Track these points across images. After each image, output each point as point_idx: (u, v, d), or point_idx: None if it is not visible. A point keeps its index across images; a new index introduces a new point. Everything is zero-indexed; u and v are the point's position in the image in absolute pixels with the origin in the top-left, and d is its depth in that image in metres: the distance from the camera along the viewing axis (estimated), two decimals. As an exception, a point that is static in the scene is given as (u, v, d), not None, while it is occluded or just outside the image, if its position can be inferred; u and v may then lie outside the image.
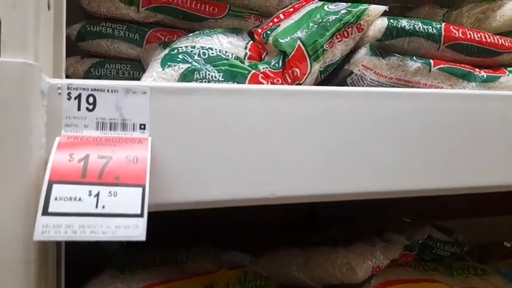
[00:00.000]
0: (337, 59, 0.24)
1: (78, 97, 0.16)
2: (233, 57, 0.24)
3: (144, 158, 0.16)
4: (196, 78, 0.22)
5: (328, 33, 0.23)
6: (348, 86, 0.25)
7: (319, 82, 0.24)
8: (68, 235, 0.14)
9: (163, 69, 0.22)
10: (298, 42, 0.23)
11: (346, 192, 0.19)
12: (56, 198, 0.15)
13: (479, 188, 0.22)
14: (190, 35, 0.25)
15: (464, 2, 0.33)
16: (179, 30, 0.30)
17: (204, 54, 0.23)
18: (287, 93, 0.19)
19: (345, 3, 0.24)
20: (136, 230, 0.15)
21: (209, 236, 0.33)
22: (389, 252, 0.26)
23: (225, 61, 0.23)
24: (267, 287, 0.27)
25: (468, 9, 0.33)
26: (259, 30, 0.26)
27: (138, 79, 0.27)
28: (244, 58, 0.24)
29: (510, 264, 0.35)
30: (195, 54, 0.23)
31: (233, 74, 0.22)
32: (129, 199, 0.15)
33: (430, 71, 0.25)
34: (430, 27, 0.25)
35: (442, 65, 0.25)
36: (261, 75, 0.23)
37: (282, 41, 0.23)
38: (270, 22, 0.27)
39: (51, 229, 0.14)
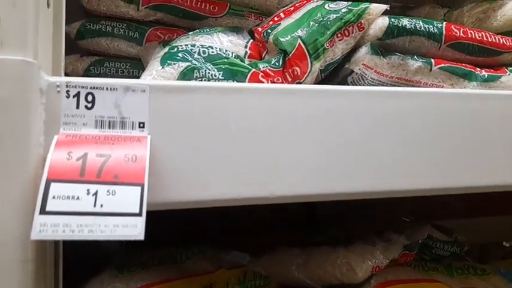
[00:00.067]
0: (337, 57, 0.23)
1: (77, 95, 0.16)
2: (233, 56, 0.23)
3: (143, 156, 0.16)
4: (196, 76, 0.22)
5: (328, 32, 0.23)
6: (348, 85, 0.25)
7: (320, 81, 0.24)
8: (65, 234, 0.14)
9: (163, 67, 0.22)
10: (299, 40, 0.23)
11: (346, 191, 0.19)
12: (53, 197, 0.14)
13: (479, 188, 0.22)
14: (190, 33, 0.25)
15: (465, 1, 0.33)
16: (179, 29, 0.29)
17: (204, 52, 0.23)
18: (287, 92, 0.19)
19: (345, 2, 0.24)
20: (134, 229, 0.15)
21: (208, 235, 0.33)
22: (389, 252, 0.26)
23: (225, 60, 0.23)
24: (266, 287, 0.27)
25: (469, 8, 0.33)
26: (260, 29, 0.26)
27: (138, 78, 0.27)
28: (245, 57, 0.24)
29: (510, 264, 0.35)
30: (195, 52, 0.23)
31: (233, 72, 0.22)
32: (128, 198, 0.15)
33: (431, 70, 0.25)
34: (431, 26, 0.24)
35: (443, 64, 0.25)
36: (261, 74, 0.23)
37: (282, 39, 0.23)
38: (270, 21, 0.27)
39: (48, 228, 0.14)
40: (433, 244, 0.30)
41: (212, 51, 0.23)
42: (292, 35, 0.23)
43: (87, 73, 0.29)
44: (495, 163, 0.21)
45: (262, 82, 0.22)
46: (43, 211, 0.14)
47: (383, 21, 0.23)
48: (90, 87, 0.16)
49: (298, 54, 0.23)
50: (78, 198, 0.15)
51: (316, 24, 0.23)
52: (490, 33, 0.27)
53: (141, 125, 0.17)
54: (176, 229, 0.31)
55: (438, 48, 0.25)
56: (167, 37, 0.29)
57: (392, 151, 0.20)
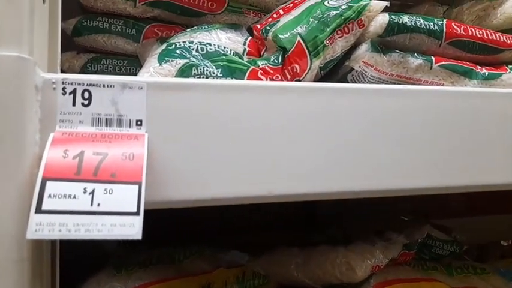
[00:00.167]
0: (337, 55, 0.23)
1: (73, 92, 0.16)
2: (232, 53, 0.23)
3: (141, 154, 0.16)
4: (194, 73, 0.21)
5: (328, 29, 0.22)
6: (348, 82, 0.25)
7: (319, 78, 0.24)
8: (62, 233, 0.14)
9: (160, 64, 0.22)
10: (298, 38, 0.22)
11: (344, 190, 0.19)
12: (49, 196, 0.14)
13: (478, 187, 0.21)
14: (188, 30, 0.25)
15: (464, -1, 0.33)
16: (177, 26, 0.29)
17: (202, 49, 0.23)
18: (286, 90, 0.18)
19: (345, -1, 0.24)
20: (132, 229, 0.14)
21: (207, 234, 0.33)
22: (389, 251, 0.26)
23: (224, 57, 0.22)
24: (265, 286, 0.27)
25: (469, 6, 0.32)
26: (258, 26, 0.26)
27: (135, 75, 0.27)
28: (243, 54, 0.24)
29: (509, 263, 0.35)
30: (193, 49, 0.22)
31: (232, 70, 0.22)
32: (125, 197, 0.15)
33: (431, 68, 0.25)
34: (432, 23, 0.24)
35: (443, 62, 0.25)
36: (260, 71, 0.22)
37: (281, 36, 0.23)
38: (269, 18, 0.26)
39: (44, 227, 0.14)
40: (433, 243, 0.30)
41: (210, 48, 0.23)
42: (292, 32, 0.23)
43: (83, 70, 0.29)
44: (494, 162, 0.21)
45: (261, 79, 0.22)
46: (39, 210, 0.14)
47: (383, 18, 0.23)
48: (87, 84, 0.16)
49: (298, 51, 0.22)
50: (74, 197, 0.14)
51: (316, 21, 0.23)
52: (491, 31, 0.26)
53: (139, 122, 0.17)
54: (174, 228, 0.31)
55: (439, 46, 0.25)
56: (165, 34, 0.29)
57: (392, 150, 0.20)
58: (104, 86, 0.16)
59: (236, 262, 0.27)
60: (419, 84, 0.25)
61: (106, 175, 0.15)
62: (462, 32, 0.25)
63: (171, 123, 0.17)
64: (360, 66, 0.23)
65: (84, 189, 0.15)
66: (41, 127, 0.16)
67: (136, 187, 0.15)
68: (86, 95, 0.16)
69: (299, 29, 0.23)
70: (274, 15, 0.26)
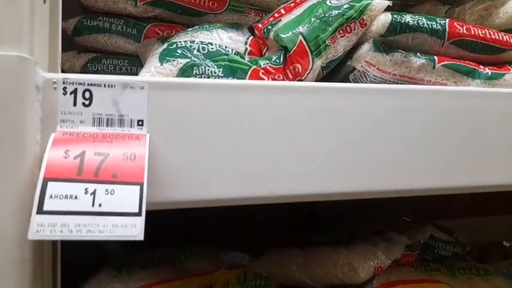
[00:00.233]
0: (339, 54, 0.23)
1: (74, 92, 0.16)
2: (233, 53, 0.23)
3: (142, 155, 0.16)
4: (196, 73, 0.21)
5: (330, 29, 0.22)
6: (350, 82, 0.25)
7: (321, 78, 0.24)
8: (63, 234, 0.14)
9: (161, 64, 0.22)
10: (300, 37, 0.22)
11: (346, 191, 0.19)
12: (51, 196, 0.14)
13: (480, 188, 0.21)
14: (189, 29, 0.25)
15: (466, -2, 0.33)
16: (178, 25, 0.29)
17: (203, 49, 0.22)
18: (288, 90, 0.18)
19: (347, -2, 0.24)
20: (134, 230, 0.14)
21: (208, 235, 0.33)
22: (391, 252, 0.26)
23: (225, 56, 0.22)
24: (266, 287, 0.27)
25: (471, 6, 0.32)
26: (260, 26, 0.25)
27: (136, 75, 0.27)
28: (245, 53, 0.24)
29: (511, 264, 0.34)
30: (194, 49, 0.22)
31: (233, 69, 0.22)
32: (127, 197, 0.15)
33: (434, 67, 0.24)
34: (434, 23, 0.24)
35: (446, 62, 0.25)
36: (262, 71, 0.22)
37: (283, 36, 0.23)
38: (270, 17, 0.26)
39: (46, 228, 0.14)
40: (435, 244, 0.30)
41: (212, 48, 0.23)
42: (293, 31, 0.23)
43: (84, 70, 0.29)
44: (496, 162, 0.21)
45: (263, 79, 0.22)
46: (40, 211, 0.14)
47: (385, 18, 0.23)
48: (88, 84, 0.16)
49: (300, 51, 0.22)
50: (76, 197, 0.14)
51: (318, 21, 0.23)
52: (493, 30, 0.26)
53: (140, 122, 0.17)
54: (175, 229, 0.31)
55: (441, 45, 0.25)
56: (166, 33, 0.28)
57: (393, 150, 0.19)
58: (105, 85, 0.16)
59: (237, 263, 0.27)
60: (422, 84, 0.24)
61: (107, 175, 0.15)
62: (465, 31, 0.25)
63: (172, 123, 0.17)
64: (362, 66, 0.23)
65: (86, 189, 0.14)
66: (42, 127, 0.15)
67: (138, 188, 0.15)
68: (87, 94, 0.16)
69: (301, 29, 0.23)
70: (276, 15, 0.26)
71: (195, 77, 0.21)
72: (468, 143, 0.21)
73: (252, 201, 0.18)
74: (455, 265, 0.30)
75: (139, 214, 0.15)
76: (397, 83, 0.24)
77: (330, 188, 0.19)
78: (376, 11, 0.23)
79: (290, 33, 0.23)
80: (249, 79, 0.22)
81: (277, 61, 0.23)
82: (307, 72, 0.22)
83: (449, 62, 0.25)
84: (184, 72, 0.21)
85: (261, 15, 0.30)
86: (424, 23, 0.24)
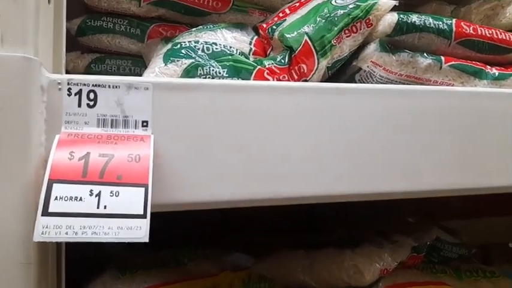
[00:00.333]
0: (345, 54, 0.23)
1: (79, 93, 0.16)
2: (238, 53, 0.23)
3: (147, 156, 0.15)
4: (200, 74, 0.21)
5: (336, 28, 0.22)
6: (356, 82, 0.24)
7: (327, 78, 0.24)
8: (68, 236, 0.14)
9: (165, 64, 0.21)
10: (305, 37, 0.22)
11: (352, 192, 0.19)
12: (56, 198, 0.14)
13: (488, 189, 0.21)
14: (193, 29, 0.25)
15: (472, -2, 0.32)
16: (181, 25, 0.29)
17: (208, 49, 0.22)
18: (293, 90, 0.18)
19: (353, -2, 0.23)
20: (139, 232, 0.14)
21: (212, 236, 0.32)
22: (397, 254, 0.26)
23: (230, 56, 0.22)
24: (271, 290, 0.26)
25: (477, 5, 0.32)
26: (264, 25, 0.25)
27: (139, 75, 0.27)
28: (249, 54, 0.24)
29: (517, 266, 0.34)
30: (198, 49, 0.22)
31: (238, 70, 0.22)
32: (132, 199, 0.15)
33: (441, 68, 0.24)
34: (441, 22, 0.24)
35: (453, 62, 0.24)
36: (267, 71, 0.22)
37: (288, 36, 0.22)
38: (275, 17, 0.26)
39: (51, 230, 0.14)
40: (442, 246, 0.30)
41: (216, 48, 0.23)
42: (299, 31, 0.22)
43: (88, 70, 0.28)
44: (504, 163, 0.21)
45: (268, 79, 0.22)
46: (45, 212, 0.14)
47: (392, 17, 0.23)
48: (92, 85, 0.16)
49: (305, 51, 0.22)
50: (81, 199, 0.14)
51: (323, 20, 0.22)
52: (500, 30, 0.26)
53: (145, 123, 0.17)
54: (179, 230, 0.31)
55: (448, 46, 0.24)
56: (169, 34, 0.28)
57: (399, 151, 0.19)
58: (109, 86, 0.16)
59: (241, 265, 0.27)
60: (428, 85, 0.24)
61: (112, 177, 0.15)
62: (471, 31, 0.25)
63: (177, 124, 0.17)
64: (368, 66, 0.23)
65: (91, 191, 0.14)
66: (47, 128, 0.15)
67: (143, 189, 0.15)
68: (92, 95, 0.16)
69: (306, 28, 0.22)
70: (281, 14, 0.26)
71: (200, 77, 0.21)
72: (475, 143, 0.21)
73: (259, 203, 0.18)
74: (461, 267, 0.30)
75: (144, 216, 0.14)
76: (404, 84, 0.24)
77: (336, 190, 0.18)
78: (382, 11, 0.23)
79: (295, 33, 0.22)
80: (253, 79, 0.22)
81: (282, 61, 0.23)
82: (313, 72, 0.22)
83: (456, 63, 0.25)
84: (189, 72, 0.21)
85: (265, 15, 0.29)
86: (430, 23, 0.23)
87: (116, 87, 0.16)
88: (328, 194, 0.18)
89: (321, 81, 0.23)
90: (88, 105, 0.16)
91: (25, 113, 0.15)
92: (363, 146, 0.19)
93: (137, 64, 0.29)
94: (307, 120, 0.18)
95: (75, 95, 0.16)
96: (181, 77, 0.21)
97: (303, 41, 0.22)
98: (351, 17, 0.22)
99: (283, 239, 0.31)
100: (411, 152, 0.19)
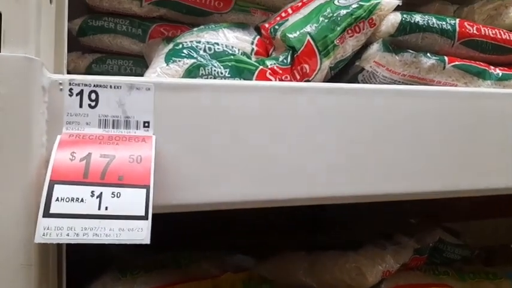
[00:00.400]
0: (348, 55, 0.23)
1: (80, 93, 0.16)
2: (240, 53, 0.23)
3: (148, 157, 0.15)
4: (202, 74, 0.21)
5: (339, 28, 0.22)
6: (359, 83, 0.24)
7: (329, 79, 0.23)
8: (70, 238, 0.14)
9: (167, 64, 0.21)
10: (308, 37, 0.22)
11: (357, 194, 0.19)
12: (57, 199, 0.14)
13: (493, 191, 0.21)
14: (194, 29, 0.24)
15: (475, -2, 0.32)
16: (183, 25, 0.29)
17: (209, 49, 0.22)
18: (295, 90, 0.18)
19: (355, -3, 0.23)
20: (140, 233, 0.14)
21: (213, 238, 0.32)
22: (400, 256, 0.26)
23: (232, 57, 0.22)
24: (272, 291, 0.26)
25: (480, 5, 0.32)
26: (267, 25, 0.25)
27: (141, 75, 0.27)
28: (251, 54, 0.24)
29: (520, 268, 0.34)
30: (200, 49, 0.22)
31: (240, 70, 0.22)
32: (133, 200, 0.14)
33: (444, 68, 0.24)
34: (444, 23, 0.24)
35: (456, 62, 0.24)
36: (269, 71, 0.22)
37: (290, 36, 0.22)
38: (277, 17, 0.26)
39: (52, 231, 0.13)
40: (444, 248, 0.30)
41: (218, 48, 0.22)
42: (301, 31, 0.22)
43: (89, 71, 0.28)
44: (510, 164, 0.21)
45: (270, 80, 0.22)
46: (47, 214, 0.14)
47: (395, 17, 0.23)
48: (94, 85, 0.16)
49: (307, 51, 0.22)
50: (82, 200, 0.14)
51: (326, 20, 0.22)
52: (504, 31, 0.26)
53: (146, 124, 0.16)
54: (180, 231, 0.31)
55: (451, 46, 0.24)
56: (171, 34, 0.28)
57: (403, 152, 0.19)
58: (111, 87, 0.16)
59: (243, 266, 0.27)
60: (432, 85, 0.24)
61: (113, 178, 0.15)
62: (475, 31, 0.25)
63: (179, 125, 0.17)
64: (371, 66, 0.23)
65: (92, 192, 0.14)
66: (48, 129, 0.15)
67: (144, 191, 0.15)
68: (93, 96, 0.16)
69: (308, 28, 0.22)
70: (283, 14, 0.26)
71: (202, 77, 0.21)
72: (479, 144, 0.20)
73: (262, 205, 0.17)
74: (464, 269, 0.30)
75: (145, 218, 0.14)
76: (407, 84, 0.24)
77: (342, 192, 0.18)
78: (386, 11, 0.23)
79: (298, 33, 0.22)
80: (256, 80, 0.22)
81: (285, 61, 0.22)
82: (315, 72, 0.22)
83: (459, 63, 0.24)
84: (191, 72, 0.21)
85: (267, 15, 0.29)
86: (434, 22, 0.23)
87: (118, 87, 0.16)
88: (330, 196, 0.18)
89: (324, 81, 0.23)
90: (89, 105, 0.16)
91: (26, 113, 0.15)
92: (364, 146, 0.18)
93: (138, 64, 0.29)
94: (310, 120, 0.18)
95: (77, 95, 0.16)
96: (183, 77, 0.21)
97: (306, 41, 0.22)
98: (353, 17, 0.22)
99: (286, 240, 0.31)
100: (417, 153, 0.19)
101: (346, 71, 0.24)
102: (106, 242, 0.14)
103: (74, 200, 0.14)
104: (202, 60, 0.21)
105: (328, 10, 0.23)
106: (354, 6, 0.22)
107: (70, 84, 0.16)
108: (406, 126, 0.19)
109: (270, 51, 0.25)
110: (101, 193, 0.14)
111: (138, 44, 0.28)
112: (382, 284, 0.25)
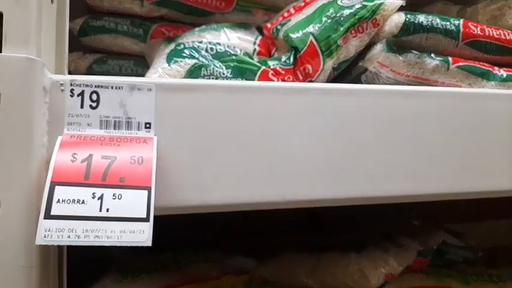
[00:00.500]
0: (351, 55, 0.23)
1: (81, 94, 0.16)
2: (242, 53, 0.23)
3: (150, 158, 0.15)
4: (204, 74, 0.21)
5: (342, 29, 0.22)
6: (362, 83, 0.24)
7: (332, 79, 0.23)
8: (71, 240, 0.13)
9: (169, 65, 0.21)
10: (311, 37, 0.22)
11: (359, 196, 0.18)
12: (58, 201, 0.14)
13: (496, 193, 0.21)
14: (196, 29, 0.24)
15: (479, -2, 0.32)
16: (184, 25, 0.29)
17: (211, 49, 0.22)
18: (298, 91, 0.18)
19: (359, -2, 0.23)
20: (142, 235, 0.14)
21: (213, 239, 0.32)
22: (403, 258, 0.26)
23: (234, 57, 0.22)
24: (274, 293, 0.26)
25: (483, 6, 0.31)
26: (269, 25, 0.25)
27: (142, 76, 0.26)
28: (253, 54, 0.23)
29: (524, 270, 0.34)
30: (202, 49, 0.22)
31: (242, 70, 0.21)
32: (135, 202, 0.14)
33: (448, 69, 0.24)
34: (448, 23, 0.23)
35: (460, 63, 0.24)
36: (271, 71, 0.22)
37: (293, 36, 0.22)
38: (279, 17, 0.26)
39: (53, 233, 0.13)
40: (447, 249, 0.29)
41: (220, 48, 0.22)
42: (304, 31, 0.22)
43: (89, 71, 0.28)
44: (509, 165, 0.21)
45: (273, 80, 0.22)
46: (48, 215, 0.14)
47: (399, 18, 0.22)
48: (95, 86, 0.16)
49: (310, 51, 0.22)
50: (83, 202, 0.14)
51: (329, 20, 0.22)
52: (508, 31, 0.26)
53: (147, 125, 0.16)
54: (181, 232, 0.31)
55: (455, 46, 0.24)
56: (172, 34, 0.28)
57: (405, 153, 0.19)
58: (112, 87, 0.16)
59: (244, 268, 0.27)
60: (435, 86, 0.24)
61: (115, 179, 0.15)
62: (479, 32, 0.24)
63: (180, 126, 0.16)
64: (374, 67, 0.23)
65: (93, 194, 0.14)
66: (49, 129, 0.15)
67: (146, 192, 0.15)
68: (94, 96, 0.16)
69: (311, 29, 0.22)
70: (285, 14, 0.25)
71: (203, 78, 0.21)
72: (483, 145, 0.20)
73: (264, 207, 0.17)
74: (467, 271, 0.29)
75: (147, 219, 0.14)
76: (411, 85, 0.24)
77: (344, 193, 0.18)
78: (389, 11, 0.22)
79: (300, 33, 0.22)
80: (258, 80, 0.22)
81: (287, 62, 0.22)
82: (318, 73, 0.22)
83: (463, 64, 0.24)
84: (192, 73, 0.21)
85: (269, 15, 0.29)
86: (438, 23, 0.23)
87: (119, 88, 0.16)
88: (331, 198, 0.18)
89: (327, 82, 0.23)
90: (91, 106, 0.16)
91: (27, 114, 0.14)
92: (366, 147, 0.18)
93: (139, 64, 0.29)
94: (312, 121, 0.18)
95: (78, 96, 0.16)
96: (184, 77, 0.21)
97: (308, 41, 0.22)
98: (357, 17, 0.22)
99: (289, 241, 0.31)
100: (420, 154, 0.19)
101: (349, 72, 0.24)
102: (107, 244, 0.14)
103: (75, 202, 0.14)
104: (204, 60, 0.21)
105: (331, 10, 0.22)
106: (357, 6, 0.22)
107: (71, 84, 0.16)
108: (409, 127, 0.19)
109: (272, 52, 0.24)
110: (102, 195, 0.14)
111: (139, 44, 0.28)
112: (385, 287, 0.25)
